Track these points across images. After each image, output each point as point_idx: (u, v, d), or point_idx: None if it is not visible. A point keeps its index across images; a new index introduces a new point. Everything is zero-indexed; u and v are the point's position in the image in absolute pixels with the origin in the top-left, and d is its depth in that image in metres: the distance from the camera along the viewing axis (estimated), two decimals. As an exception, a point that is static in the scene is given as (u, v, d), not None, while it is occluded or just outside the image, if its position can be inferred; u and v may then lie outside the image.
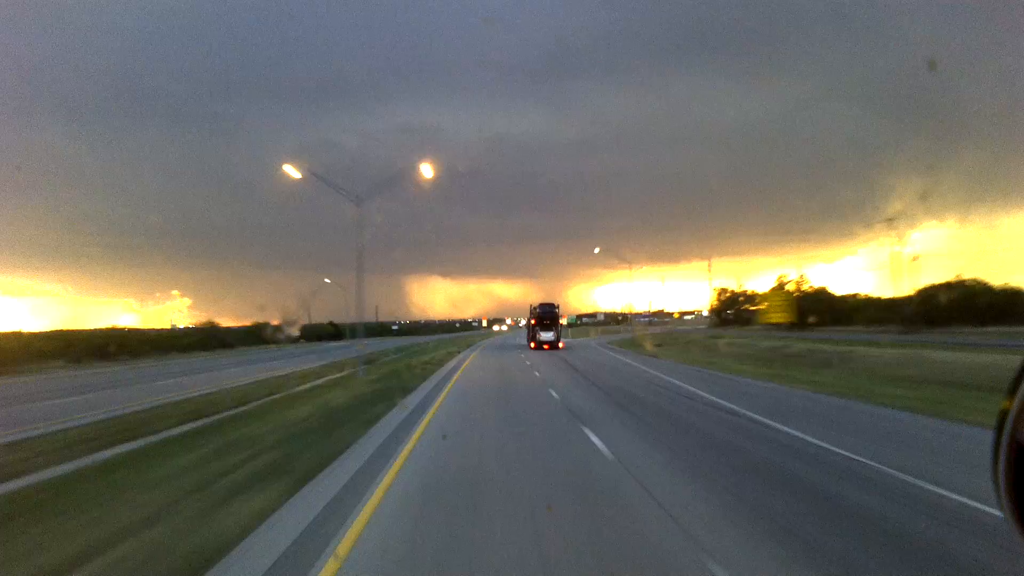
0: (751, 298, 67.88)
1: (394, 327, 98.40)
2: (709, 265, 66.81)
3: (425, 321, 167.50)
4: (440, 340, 61.36)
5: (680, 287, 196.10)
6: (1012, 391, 1.01)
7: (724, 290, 71.52)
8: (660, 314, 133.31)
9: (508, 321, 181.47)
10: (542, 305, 40.91)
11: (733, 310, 69.21)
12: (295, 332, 55.59)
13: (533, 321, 40.77)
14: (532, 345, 39.88)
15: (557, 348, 38.95)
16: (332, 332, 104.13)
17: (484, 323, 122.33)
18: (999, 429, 1.04)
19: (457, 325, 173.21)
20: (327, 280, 79.22)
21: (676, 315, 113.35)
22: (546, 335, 39.31)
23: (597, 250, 53.49)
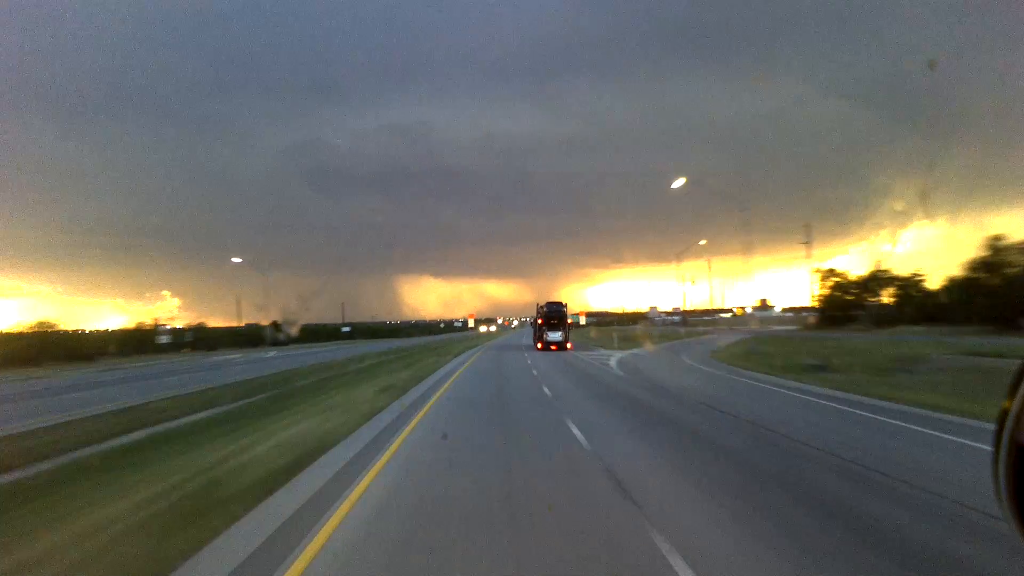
0: (881, 283, 44.12)
1: (345, 329, 74.27)
2: (807, 251, 43.38)
3: (415, 321, 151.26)
4: (388, 354, 36.79)
5: (676, 286, 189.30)
6: (1012, 391, 1.00)
7: (831, 272, 47.74)
8: (689, 312, 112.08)
9: (500, 320, 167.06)
10: (549, 304, 38.10)
11: (862, 302, 45.31)
12: (294, 332, 50.57)
13: (540, 320, 37.91)
14: (539, 346, 36.84)
15: (565, 348, 35.76)
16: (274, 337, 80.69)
17: (471, 323, 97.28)
18: (999, 429, 1.03)
19: (441, 325, 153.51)
20: (236, 260, 55.45)
21: (738, 311, 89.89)
22: (554, 335, 36.53)
23: (681, 181, 30.24)
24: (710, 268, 75.61)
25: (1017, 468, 1.03)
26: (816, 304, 48.34)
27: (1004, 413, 1.04)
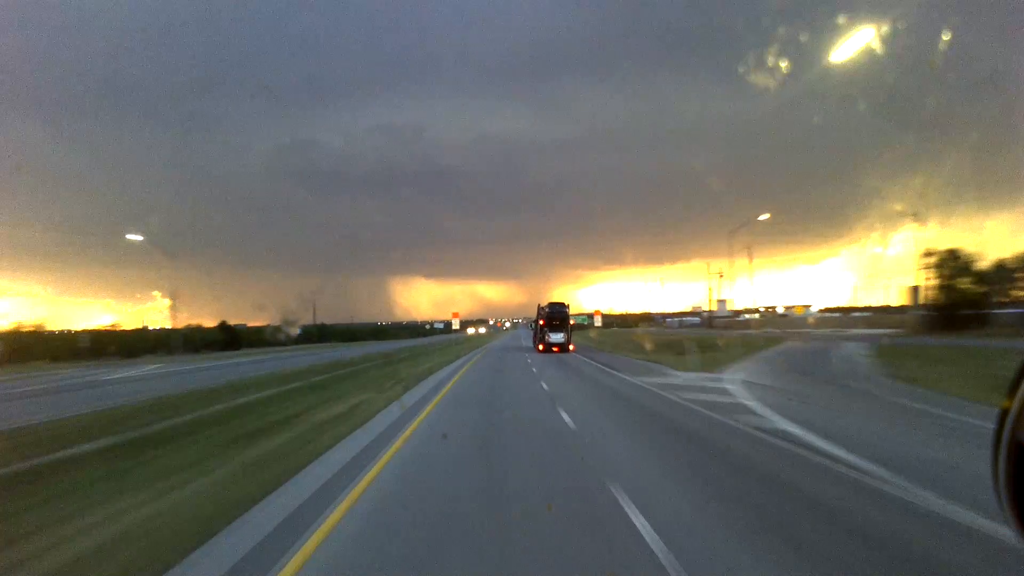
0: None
1: (296, 332, 60.02)
2: (920, 223, 30.61)
3: (406, 322, 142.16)
4: (306, 375, 22.86)
5: (666, 288, 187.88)
6: (1012, 391, 1.00)
7: (951, 256, 34.49)
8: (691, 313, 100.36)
9: (491, 321, 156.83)
10: (551, 305, 36.45)
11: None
12: (295, 332, 48.54)
13: (542, 322, 36.10)
14: (540, 348, 35.04)
15: (567, 350, 33.88)
16: (224, 340, 69.03)
17: (455, 324, 79.02)
18: (999, 429, 1.03)
19: (427, 327, 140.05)
20: (133, 237, 42.32)
21: (788, 311, 77.10)
22: (556, 337, 34.68)
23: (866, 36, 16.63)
24: (751, 261, 62.61)
25: (1017, 468, 1.01)
26: (933, 299, 34.89)
27: (1004, 413, 1.02)
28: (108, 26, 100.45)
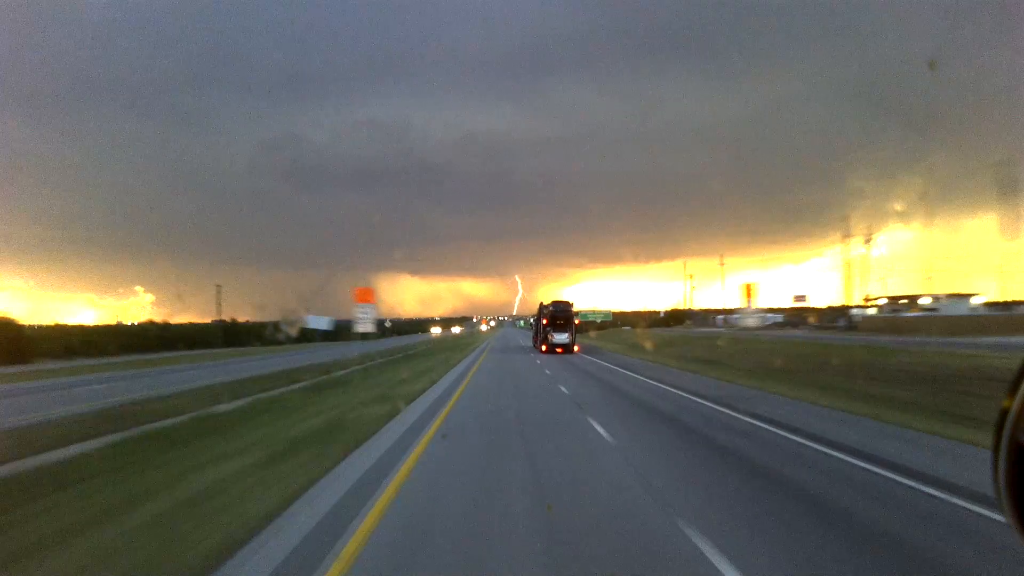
0: None
1: (295, 333, 46.10)
2: None
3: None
4: None
5: (656, 288, 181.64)
6: (1012, 391, 0.99)
7: None
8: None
9: (475, 319, 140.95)
10: (555, 303, 35.09)
11: None
12: (294, 333, 40.12)
13: (545, 321, 34.57)
14: (543, 348, 33.54)
15: (571, 351, 32.67)
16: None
17: (365, 319, 20.41)
18: (999, 429, 1.02)
19: (396, 325, 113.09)
20: None
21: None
22: (560, 337, 33.29)
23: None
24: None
25: (1017, 468, 1.00)
26: None
27: (1004, 412, 1.00)
28: (91, 19, 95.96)
